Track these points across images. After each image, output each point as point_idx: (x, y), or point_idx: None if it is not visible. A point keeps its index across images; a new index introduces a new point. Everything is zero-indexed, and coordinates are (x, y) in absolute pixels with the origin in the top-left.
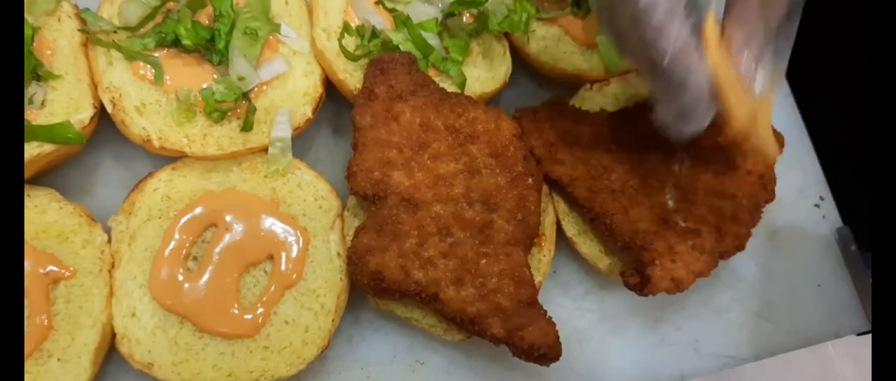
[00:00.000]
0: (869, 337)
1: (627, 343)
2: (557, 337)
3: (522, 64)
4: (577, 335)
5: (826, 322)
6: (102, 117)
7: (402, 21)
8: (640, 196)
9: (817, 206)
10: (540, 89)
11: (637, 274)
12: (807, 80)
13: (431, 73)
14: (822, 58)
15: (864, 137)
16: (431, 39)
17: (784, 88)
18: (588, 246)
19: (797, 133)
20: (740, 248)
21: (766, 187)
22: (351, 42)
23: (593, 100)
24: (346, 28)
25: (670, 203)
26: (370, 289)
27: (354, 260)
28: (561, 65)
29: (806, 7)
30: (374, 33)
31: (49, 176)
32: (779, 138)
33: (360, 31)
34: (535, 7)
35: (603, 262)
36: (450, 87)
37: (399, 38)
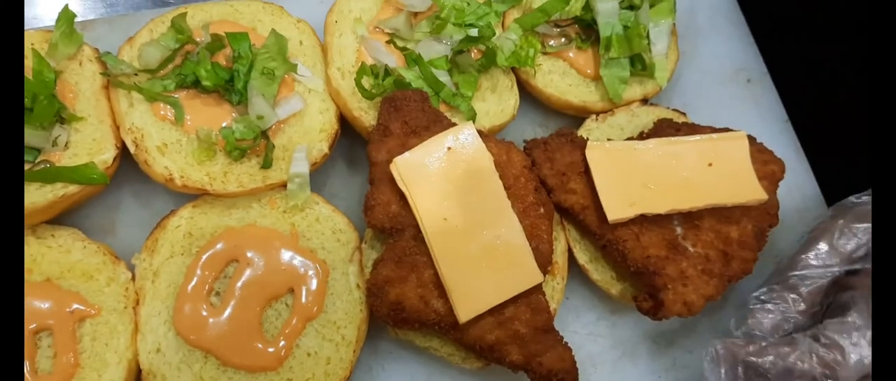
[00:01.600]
0: None
1: (640, 368)
2: (574, 362)
3: (529, 97)
4: (590, 361)
5: None
6: (123, 158)
7: (413, 59)
8: (649, 223)
9: None
10: (546, 121)
11: (650, 299)
12: (804, 106)
13: (442, 108)
14: (820, 87)
15: (861, 158)
16: (442, 76)
17: (782, 116)
18: (600, 273)
19: (796, 157)
20: (748, 271)
21: (769, 213)
22: (365, 81)
23: (599, 130)
24: (362, 68)
25: (678, 230)
26: (390, 319)
27: (374, 292)
28: (566, 97)
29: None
30: (387, 72)
31: (72, 216)
32: (779, 165)
33: (374, 70)
34: (540, 42)
35: (614, 288)
36: (461, 121)
37: (411, 76)
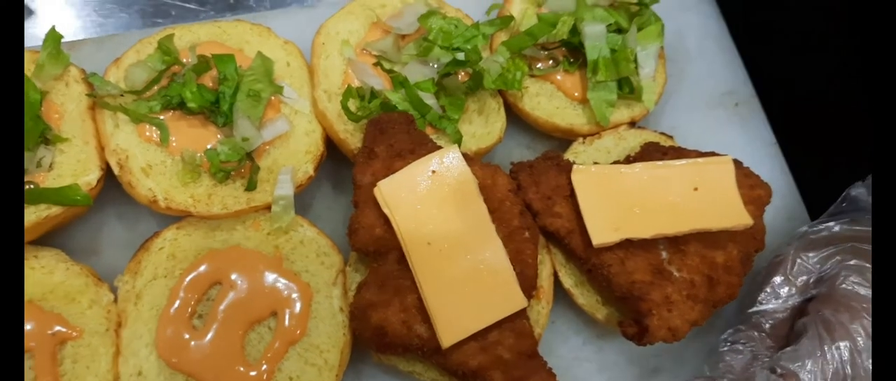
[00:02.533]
0: None
1: None
2: None
3: (516, 119)
4: None
5: None
6: (107, 179)
7: (399, 82)
8: (635, 248)
9: None
10: (534, 144)
11: (635, 324)
12: (792, 129)
13: (429, 131)
14: (808, 110)
15: (848, 180)
16: (428, 99)
17: (770, 139)
18: (585, 297)
19: (784, 180)
20: (733, 296)
21: (755, 237)
22: (351, 103)
23: (586, 153)
24: (348, 90)
25: (664, 254)
26: (373, 344)
27: (357, 315)
28: (554, 120)
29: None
30: (374, 94)
31: (55, 237)
32: (765, 189)
33: (360, 93)
34: (528, 64)
35: (600, 312)
36: (447, 144)
37: (397, 99)
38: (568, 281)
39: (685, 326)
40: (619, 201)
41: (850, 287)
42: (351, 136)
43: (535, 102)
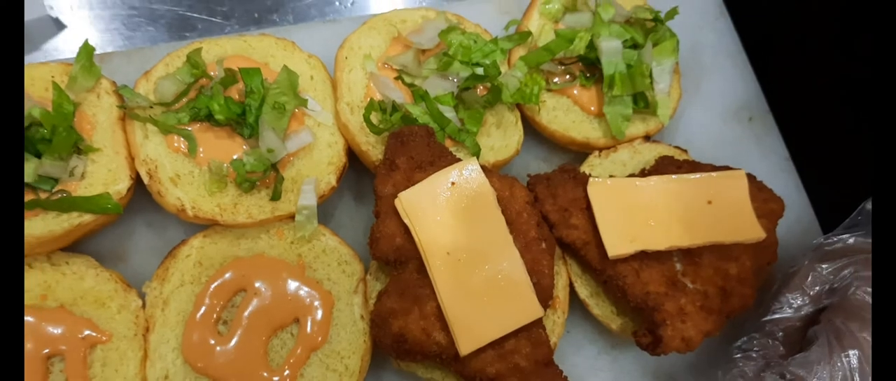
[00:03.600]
0: None
1: None
2: None
3: (533, 133)
4: None
5: None
6: (137, 187)
7: (420, 95)
8: (649, 259)
9: None
10: (550, 156)
11: (649, 334)
12: (805, 144)
13: (448, 143)
14: (822, 125)
15: (861, 194)
16: (448, 112)
17: (783, 153)
18: (600, 308)
19: (797, 194)
20: (746, 307)
21: (768, 250)
22: (374, 116)
23: (602, 166)
24: (371, 104)
25: (678, 266)
26: (393, 351)
27: (378, 323)
28: (570, 133)
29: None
30: (395, 107)
31: (86, 243)
32: (778, 203)
33: (382, 106)
34: (545, 79)
35: (615, 322)
36: (465, 156)
37: (417, 112)
38: (584, 292)
39: (698, 336)
40: (634, 213)
41: (861, 297)
42: (372, 148)
43: (552, 115)
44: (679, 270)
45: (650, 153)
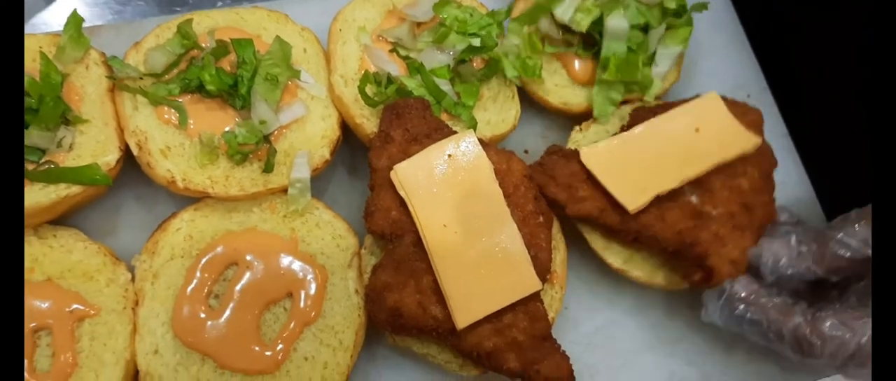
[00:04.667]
0: None
1: (638, 379)
2: (572, 371)
3: (530, 107)
4: (588, 371)
5: None
6: (125, 160)
7: (415, 68)
8: (666, 202)
9: None
10: (547, 132)
11: (698, 270)
12: (803, 120)
13: (444, 117)
14: (820, 101)
15: (860, 172)
16: (444, 85)
17: (782, 131)
18: (639, 269)
19: (796, 171)
20: (772, 215)
21: (767, 155)
22: (368, 88)
23: (586, 138)
24: (365, 76)
25: (694, 199)
26: (388, 325)
27: (373, 297)
28: (565, 99)
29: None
30: (390, 80)
31: (73, 217)
32: (756, 112)
33: (376, 78)
34: (541, 41)
35: (658, 277)
36: (462, 130)
37: (413, 85)
38: (617, 261)
39: (743, 255)
40: (634, 164)
41: None
42: (367, 121)
43: (549, 81)
44: (696, 202)
45: (624, 110)
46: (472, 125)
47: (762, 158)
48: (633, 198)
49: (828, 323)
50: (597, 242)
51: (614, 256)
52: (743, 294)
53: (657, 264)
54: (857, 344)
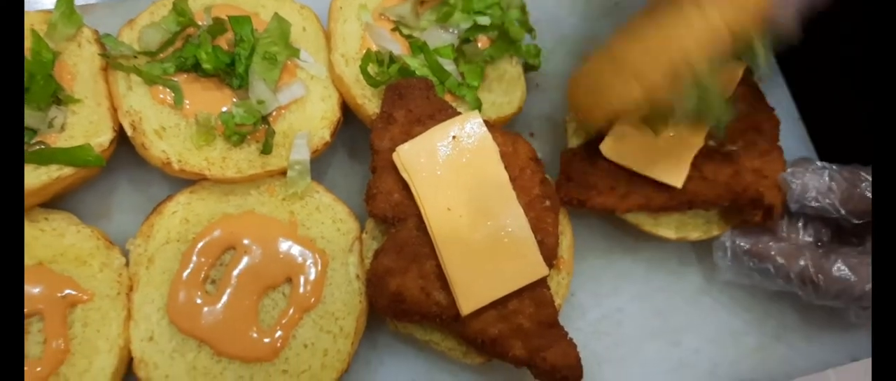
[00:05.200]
0: None
1: (645, 367)
2: (578, 358)
3: (535, 90)
4: (595, 358)
5: (841, 346)
6: (119, 143)
7: (418, 47)
8: (700, 162)
9: None
10: (554, 114)
11: (757, 211)
12: (816, 104)
13: (447, 98)
14: (832, 85)
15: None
16: (448, 65)
17: (794, 114)
18: (698, 232)
19: (807, 154)
20: (776, 120)
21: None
22: (371, 68)
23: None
24: (367, 55)
25: (712, 143)
26: (390, 311)
27: (374, 282)
28: None
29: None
30: (392, 59)
31: (65, 200)
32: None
33: (378, 58)
34: None
35: (718, 228)
36: (466, 111)
37: (416, 64)
38: (672, 233)
39: (782, 169)
40: (656, 140)
41: None
42: (368, 101)
43: None
44: (715, 145)
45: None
46: (476, 106)
47: (747, 92)
48: (675, 174)
49: (834, 266)
50: (647, 223)
51: (668, 229)
52: (747, 247)
53: (710, 219)
54: (862, 289)
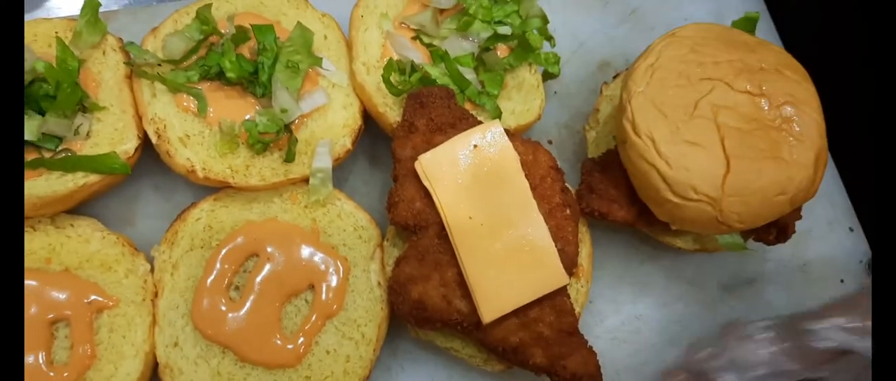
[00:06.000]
0: None
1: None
2: (598, 366)
3: (554, 97)
4: (614, 366)
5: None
6: (143, 149)
7: (439, 56)
8: None
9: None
10: (572, 123)
11: (771, 230)
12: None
13: (467, 106)
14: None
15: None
16: (468, 74)
17: None
18: (716, 243)
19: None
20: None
21: None
22: (393, 77)
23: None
24: (389, 64)
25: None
26: (412, 319)
27: (396, 290)
28: None
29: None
30: (414, 68)
31: (90, 206)
32: None
33: (400, 66)
34: None
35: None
36: (486, 119)
37: (436, 73)
38: (689, 244)
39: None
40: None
41: None
42: (390, 109)
43: None
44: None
45: (616, 90)
46: (497, 115)
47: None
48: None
49: None
50: (665, 234)
51: (684, 241)
52: None
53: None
54: None
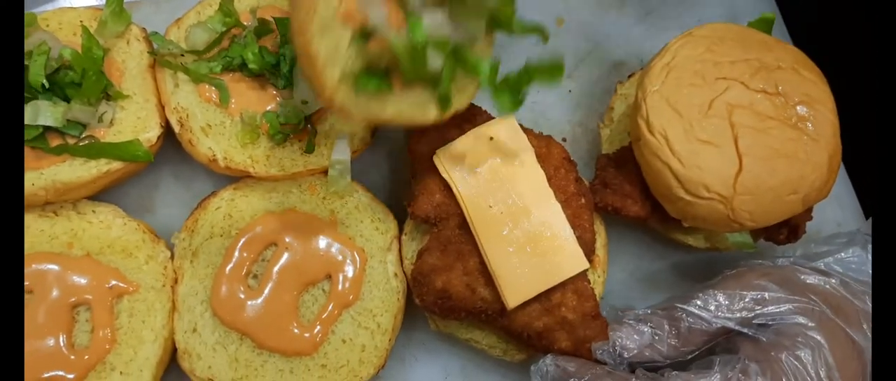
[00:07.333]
0: None
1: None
2: None
3: (568, 91)
4: None
5: None
6: (164, 138)
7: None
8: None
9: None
10: (585, 120)
11: (783, 230)
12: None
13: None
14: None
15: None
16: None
17: None
18: (727, 242)
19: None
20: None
21: None
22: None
23: (610, 128)
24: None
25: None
26: (437, 308)
27: (420, 280)
28: None
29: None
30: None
31: (112, 193)
32: None
33: (363, 31)
34: None
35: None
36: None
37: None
38: (700, 242)
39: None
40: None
41: (791, 364)
42: None
43: None
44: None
45: (631, 88)
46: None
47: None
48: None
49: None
50: (677, 231)
51: (696, 238)
52: (572, 369)
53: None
54: None
